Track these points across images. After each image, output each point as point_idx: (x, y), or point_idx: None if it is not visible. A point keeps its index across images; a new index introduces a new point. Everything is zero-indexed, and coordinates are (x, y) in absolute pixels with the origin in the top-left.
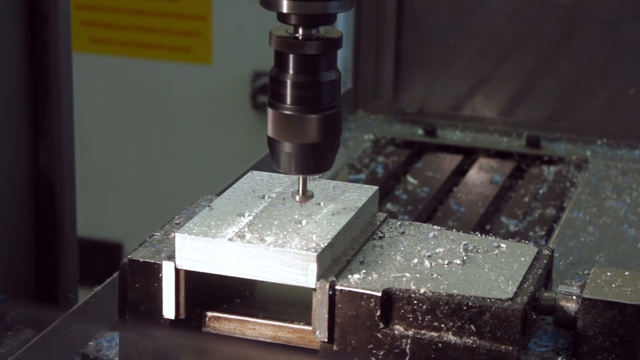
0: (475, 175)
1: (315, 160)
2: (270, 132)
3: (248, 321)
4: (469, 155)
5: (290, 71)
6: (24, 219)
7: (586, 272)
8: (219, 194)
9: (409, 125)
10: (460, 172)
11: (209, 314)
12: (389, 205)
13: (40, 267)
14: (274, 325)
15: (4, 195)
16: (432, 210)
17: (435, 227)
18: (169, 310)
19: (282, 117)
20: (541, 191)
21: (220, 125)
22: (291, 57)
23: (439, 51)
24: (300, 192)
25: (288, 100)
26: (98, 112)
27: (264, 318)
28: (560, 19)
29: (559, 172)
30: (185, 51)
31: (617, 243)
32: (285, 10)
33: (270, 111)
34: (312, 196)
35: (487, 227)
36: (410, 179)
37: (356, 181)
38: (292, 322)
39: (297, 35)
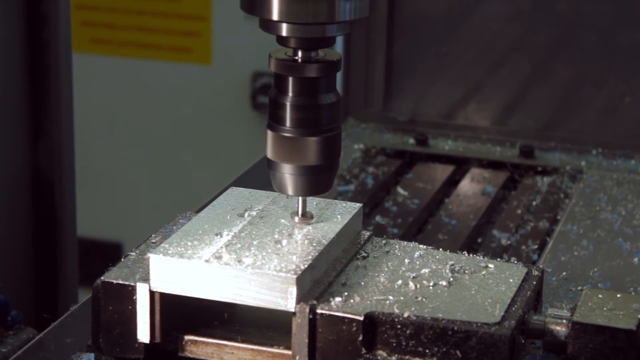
0: (467, 186)
1: (314, 181)
2: (269, 154)
3: (226, 345)
4: (461, 165)
5: (290, 93)
6: (23, 219)
7: (579, 288)
8: (198, 211)
9: (400, 134)
10: (452, 182)
11: (186, 337)
12: (378, 218)
13: (40, 267)
14: (252, 350)
15: (4, 195)
16: (422, 222)
17: (422, 246)
18: (143, 334)
19: (281, 139)
20: (534, 203)
21: (220, 126)
22: (290, 79)
23: (431, 59)
24: (300, 213)
25: (287, 123)
26: (98, 112)
27: (242, 342)
28: (555, 26)
29: (552, 183)
30: (185, 51)
31: (612, 257)
32: (284, 33)
33: (269, 133)
34: (312, 217)
35: (479, 241)
36: (400, 190)
37: (345, 192)
38: (271, 346)
39: (296, 57)
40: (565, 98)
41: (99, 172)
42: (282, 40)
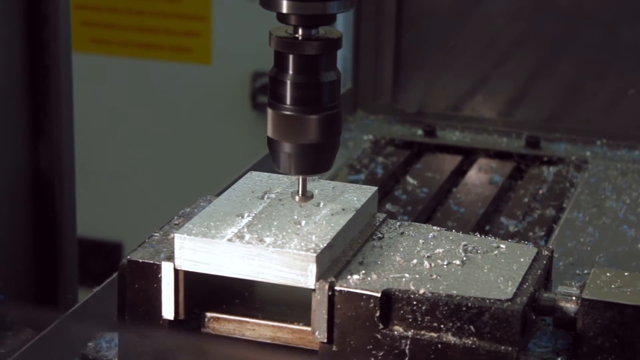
0: (475, 175)
1: (315, 160)
2: (270, 132)
3: (247, 322)
4: (469, 155)
5: (290, 71)
6: (23, 219)
7: (586, 272)
8: (218, 195)
9: (409, 125)
10: (459, 172)
11: (208, 314)
12: (388, 206)
13: (40, 267)
14: (273, 326)
15: (4, 195)
16: (431, 210)
17: (435, 227)
18: (168, 311)
19: (281, 118)
20: (541, 192)
21: (220, 125)
22: (291, 57)
23: (439, 52)
24: (300, 192)
25: (288, 101)
26: (98, 112)
27: (263, 319)
28: (560, 20)
29: (558, 173)
30: (185, 51)
31: (617, 244)
32: (285, 10)
33: (270, 111)
34: (312, 197)
35: (487, 228)
36: (409, 179)
37: (356, 181)
38: (291, 322)
39: (296, 35)
40: (570, 91)
41: (99, 172)
42: (282, 18)
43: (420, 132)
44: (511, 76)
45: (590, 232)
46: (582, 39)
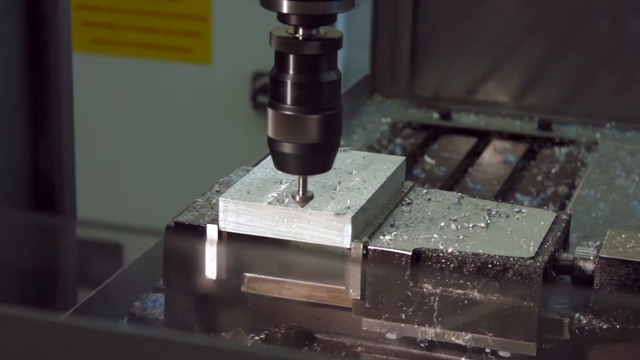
0: (490, 156)
1: (315, 160)
2: (270, 132)
3: (285, 282)
4: (483, 137)
5: (291, 71)
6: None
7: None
8: (254, 165)
9: (425, 109)
10: (474, 153)
11: (248, 274)
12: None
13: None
14: (309, 286)
15: (4, 195)
16: (449, 188)
17: (459, 194)
18: (211, 271)
19: (282, 117)
20: (553, 170)
21: (220, 125)
22: (291, 57)
23: (454, 38)
24: (301, 192)
25: (288, 101)
26: (98, 112)
27: (299, 279)
28: (570, 9)
29: (569, 153)
30: (185, 51)
31: (627, 218)
32: (285, 10)
33: (270, 111)
34: (312, 197)
35: None
36: (427, 159)
37: None
38: (325, 282)
39: (297, 35)
40: (580, 76)
41: (99, 172)
42: (283, 18)
43: (436, 115)
44: (523, 62)
45: (601, 208)
46: (592, 28)
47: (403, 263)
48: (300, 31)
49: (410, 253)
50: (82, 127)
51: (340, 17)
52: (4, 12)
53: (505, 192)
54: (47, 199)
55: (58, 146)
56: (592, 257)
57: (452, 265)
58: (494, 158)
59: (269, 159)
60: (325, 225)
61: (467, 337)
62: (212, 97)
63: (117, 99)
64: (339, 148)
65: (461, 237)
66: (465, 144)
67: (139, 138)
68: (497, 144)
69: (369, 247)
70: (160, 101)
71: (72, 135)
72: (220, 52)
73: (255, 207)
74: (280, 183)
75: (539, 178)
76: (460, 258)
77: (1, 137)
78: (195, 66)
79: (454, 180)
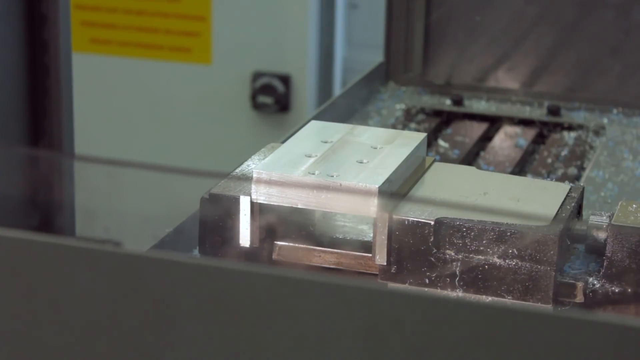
0: (501, 140)
1: None
2: None
3: (314, 250)
4: (494, 122)
5: None
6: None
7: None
8: (283, 142)
9: (438, 96)
10: (486, 138)
11: (279, 243)
12: None
13: None
14: (337, 253)
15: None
16: None
17: (477, 169)
18: (244, 239)
19: None
20: (563, 153)
21: (220, 125)
22: None
23: (466, 27)
24: None
25: None
26: (98, 112)
27: (328, 247)
28: (577, 1)
29: (578, 137)
30: (185, 51)
31: (635, 197)
32: None
33: None
34: None
35: None
36: (441, 142)
37: None
38: (352, 250)
39: None
40: (588, 64)
41: (98, 171)
42: None
43: (448, 101)
44: (533, 50)
45: (610, 188)
46: (599, 17)
47: (426, 231)
48: None
49: (433, 222)
50: (82, 127)
51: (340, 17)
52: (4, 12)
53: (516, 174)
54: (47, 198)
55: (58, 146)
56: (604, 226)
57: (472, 233)
58: (505, 142)
59: (298, 134)
60: (353, 196)
61: (487, 300)
62: (211, 97)
63: (117, 99)
64: None
65: (481, 206)
66: (477, 128)
67: (139, 138)
68: (508, 128)
69: (395, 216)
70: (160, 101)
71: (72, 135)
72: (220, 52)
73: (286, 178)
74: (310, 157)
75: (549, 160)
76: (480, 226)
77: (1, 137)
78: (194, 66)
79: (467, 163)
